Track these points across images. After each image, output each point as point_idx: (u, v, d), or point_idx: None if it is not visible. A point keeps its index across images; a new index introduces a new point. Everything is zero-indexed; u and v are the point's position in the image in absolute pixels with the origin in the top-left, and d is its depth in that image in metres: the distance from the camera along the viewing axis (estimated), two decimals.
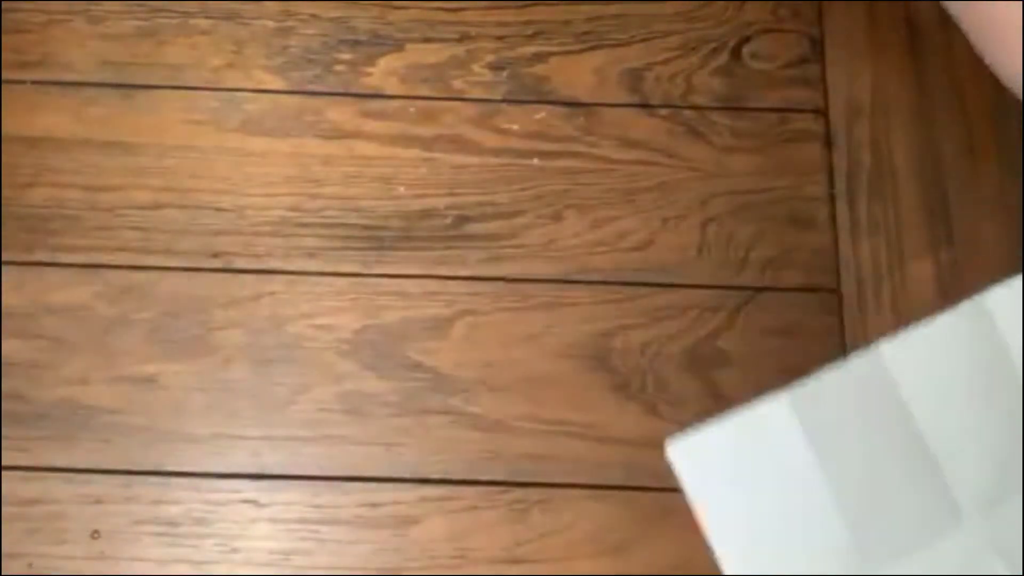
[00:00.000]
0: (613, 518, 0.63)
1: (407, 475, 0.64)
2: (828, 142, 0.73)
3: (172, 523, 0.62)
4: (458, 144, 0.71)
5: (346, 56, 0.74)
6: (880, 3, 0.77)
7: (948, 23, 0.74)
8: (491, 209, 0.71)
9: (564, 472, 0.65)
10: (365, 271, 0.69)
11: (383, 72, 0.74)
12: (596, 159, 0.71)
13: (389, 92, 0.73)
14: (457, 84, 0.73)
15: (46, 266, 0.68)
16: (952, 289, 0.69)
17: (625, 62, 0.74)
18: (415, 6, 0.75)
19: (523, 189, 0.71)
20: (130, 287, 0.67)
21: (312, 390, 0.66)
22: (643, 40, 0.75)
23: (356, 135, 0.71)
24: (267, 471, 0.64)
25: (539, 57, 0.74)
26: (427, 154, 0.71)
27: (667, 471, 0.64)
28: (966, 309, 0.53)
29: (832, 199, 0.71)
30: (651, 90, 0.73)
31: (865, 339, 0.67)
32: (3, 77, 0.72)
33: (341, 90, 0.73)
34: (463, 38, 0.75)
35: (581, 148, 0.72)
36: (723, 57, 0.74)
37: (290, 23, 0.75)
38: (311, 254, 0.69)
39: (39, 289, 0.67)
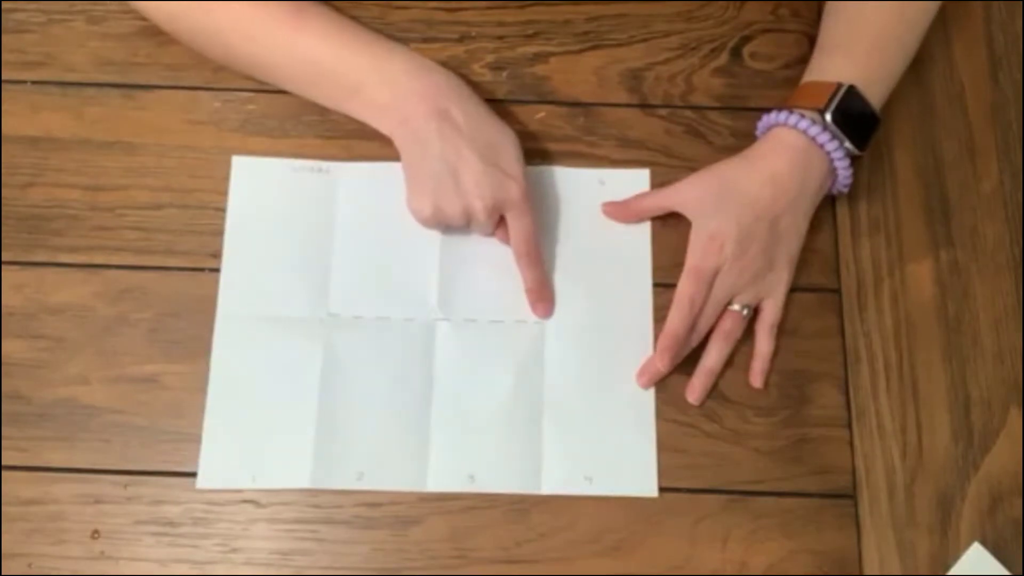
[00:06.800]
0: (613, 518, 0.63)
1: None
2: None
3: (172, 523, 0.62)
4: None
5: None
6: None
7: (948, 23, 0.74)
8: None
9: None
10: None
11: None
12: (596, 159, 0.71)
13: None
14: None
15: (46, 266, 0.68)
16: (952, 289, 0.69)
17: (625, 62, 0.74)
18: (415, 6, 0.75)
19: None
20: (130, 287, 0.67)
21: None
22: (643, 40, 0.75)
23: (357, 135, 0.71)
24: None
25: (539, 57, 0.74)
26: None
27: (667, 472, 0.64)
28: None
29: (832, 199, 0.71)
30: (651, 90, 0.73)
31: (865, 339, 0.67)
32: (3, 77, 0.72)
33: None
34: (463, 38, 0.75)
35: (581, 148, 0.71)
36: (723, 57, 0.74)
37: None
38: None
39: (39, 289, 0.67)
